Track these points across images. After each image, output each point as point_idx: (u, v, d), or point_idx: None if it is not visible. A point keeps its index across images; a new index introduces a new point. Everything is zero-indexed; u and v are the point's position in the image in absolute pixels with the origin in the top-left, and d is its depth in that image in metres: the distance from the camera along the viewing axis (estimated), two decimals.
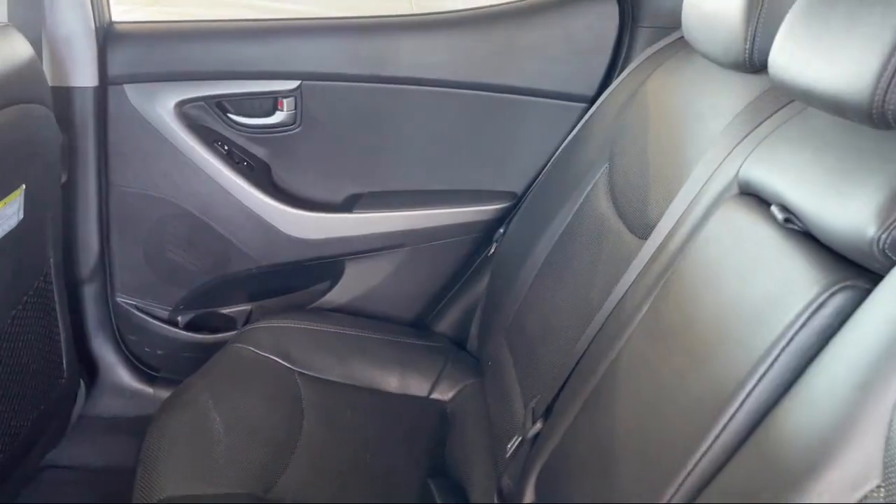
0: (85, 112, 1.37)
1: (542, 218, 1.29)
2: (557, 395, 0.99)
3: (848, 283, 0.61)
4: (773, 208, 0.72)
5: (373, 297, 1.57)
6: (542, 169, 1.43)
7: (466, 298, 1.57)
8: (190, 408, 1.19)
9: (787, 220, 0.71)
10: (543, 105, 1.44)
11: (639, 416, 0.78)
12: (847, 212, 0.63)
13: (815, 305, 0.62)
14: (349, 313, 1.56)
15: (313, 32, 1.43)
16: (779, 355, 0.63)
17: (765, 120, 0.85)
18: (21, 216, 1.16)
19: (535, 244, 1.27)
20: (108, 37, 1.38)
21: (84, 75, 1.35)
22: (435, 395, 1.40)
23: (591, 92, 1.41)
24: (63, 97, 1.33)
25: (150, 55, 1.41)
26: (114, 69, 1.39)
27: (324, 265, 1.56)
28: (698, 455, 0.66)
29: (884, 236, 0.59)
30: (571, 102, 1.43)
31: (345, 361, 1.39)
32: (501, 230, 1.46)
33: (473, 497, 1.12)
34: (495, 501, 1.08)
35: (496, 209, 1.50)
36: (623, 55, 1.40)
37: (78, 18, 1.33)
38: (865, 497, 0.50)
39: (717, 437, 0.65)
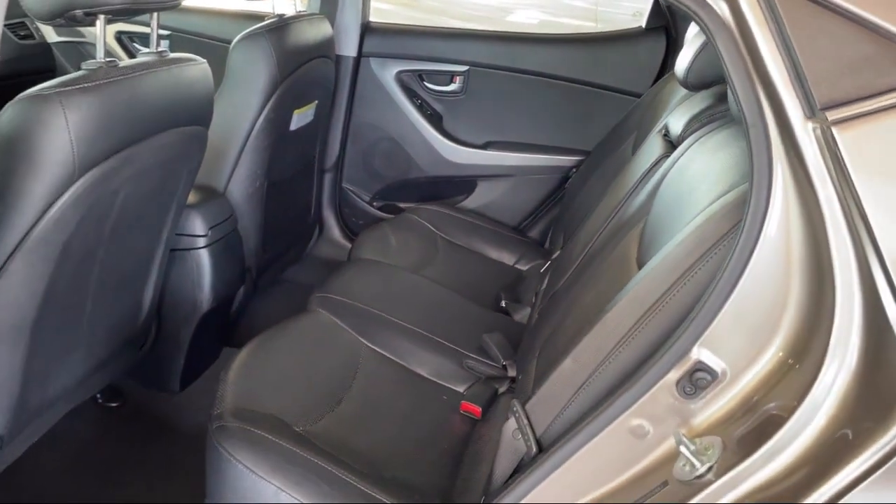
0: (346, 71, 2.41)
1: (595, 164, 2.15)
2: (571, 244, 1.85)
3: (670, 154, 1.45)
4: (662, 131, 1.57)
5: (491, 207, 2.50)
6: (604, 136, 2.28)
7: (549, 214, 2.45)
8: (378, 232, 2.17)
9: (665, 136, 1.55)
10: (613, 97, 2.31)
11: (588, 232, 1.64)
12: (679, 126, 1.47)
13: (656, 163, 1.46)
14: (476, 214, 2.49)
15: (479, 38, 2.41)
16: (640, 185, 1.47)
17: (686, 100, 1.67)
18: (311, 118, 2.19)
19: (588, 179, 2.13)
20: (365, 29, 2.41)
21: (350, 49, 2.39)
22: (517, 266, 2.28)
23: (644, 91, 2.24)
24: (338, 60, 2.37)
25: (385, 42, 2.43)
26: (365, 48, 2.42)
27: (464, 182, 2.51)
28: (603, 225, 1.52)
29: (678, 136, 1.42)
30: (631, 97, 2.27)
31: (467, 235, 2.31)
32: (574, 169, 2.33)
33: (517, 310, 1.98)
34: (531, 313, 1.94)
35: (574, 159, 2.37)
36: (667, 69, 2.23)
37: (352, 17, 2.37)
38: None
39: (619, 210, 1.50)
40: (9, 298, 1.17)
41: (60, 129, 1.10)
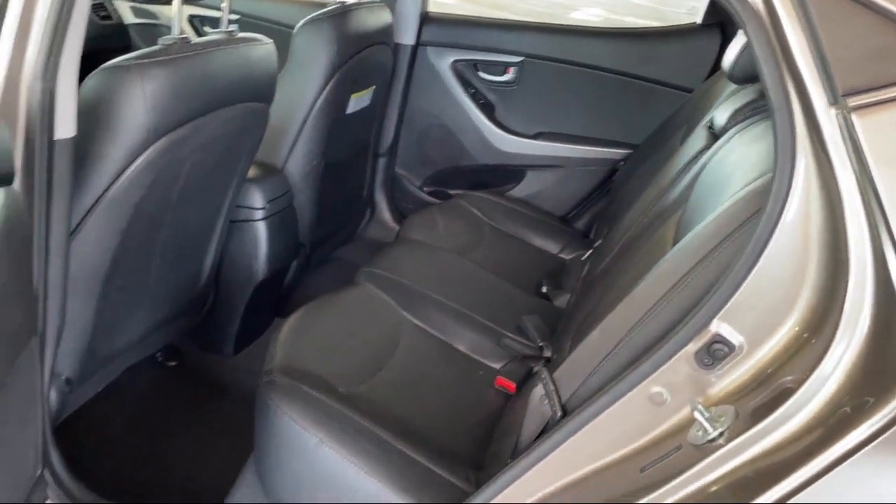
0: (404, 58, 2.49)
1: (643, 157, 2.18)
2: (613, 231, 1.89)
3: (710, 146, 1.48)
4: (708, 124, 1.59)
5: (539, 196, 2.54)
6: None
7: (595, 206, 2.49)
8: (426, 216, 2.24)
9: (710, 128, 1.58)
10: (664, 92, 2.33)
11: (629, 220, 1.68)
12: (723, 118, 1.49)
13: (698, 154, 1.49)
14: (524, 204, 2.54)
15: (534, 29, 2.45)
16: (681, 175, 1.51)
17: (732, 95, 1.69)
18: (368, 103, 2.27)
19: (636, 172, 2.16)
20: (424, 19, 2.48)
21: (408, 38, 2.47)
22: (560, 255, 2.32)
23: (696, 87, 2.26)
24: (396, 48, 2.44)
25: (443, 32, 2.50)
26: (423, 37, 2.49)
27: (513, 171, 2.56)
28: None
29: (721, 128, 1.45)
30: (683, 92, 2.29)
31: (513, 223, 2.36)
32: (622, 162, 2.36)
33: (557, 296, 2.03)
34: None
35: (623, 152, 2.40)
36: (720, 66, 2.23)
37: (412, 6, 2.44)
38: None
39: (660, 199, 1.54)
40: (85, 252, 1.28)
41: (137, 98, 1.20)
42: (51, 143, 1.06)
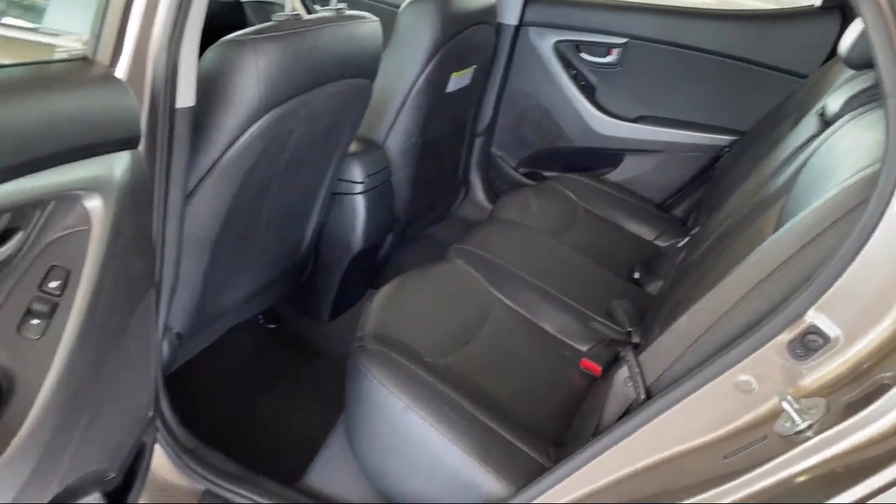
0: (506, 38, 2.49)
1: (750, 144, 2.10)
2: (712, 220, 1.84)
3: (820, 133, 1.41)
4: (820, 111, 1.52)
5: (636, 181, 2.50)
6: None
7: (696, 194, 2.42)
8: (520, 196, 2.25)
9: (822, 115, 1.51)
10: (776, 77, 2.23)
11: (729, 209, 1.63)
12: (836, 105, 1.43)
13: (807, 142, 1.43)
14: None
15: (640, 11, 2.39)
16: (787, 163, 1.45)
17: (849, 81, 1.60)
18: (468, 82, 2.29)
19: (741, 159, 2.09)
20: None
21: (511, 18, 2.47)
22: (656, 242, 2.28)
23: (810, 72, 2.15)
24: (498, 28, 2.45)
25: (546, 12, 2.48)
26: (526, 17, 2.48)
27: (611, 155, 2.53)
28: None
29: (834, 115, 1.39)
30: (795, 77, 2.19)
31: (608, 207, 2.33)
32: (727, 149, 2.29)
33: (650, 282, 1.99)
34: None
35: (728, 138, 2.32)
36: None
37: None
38: None
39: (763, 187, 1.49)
40: (198, 215, 1.37)
41: (251, 71, 1.27)
42: (172, 110, 1.14)
